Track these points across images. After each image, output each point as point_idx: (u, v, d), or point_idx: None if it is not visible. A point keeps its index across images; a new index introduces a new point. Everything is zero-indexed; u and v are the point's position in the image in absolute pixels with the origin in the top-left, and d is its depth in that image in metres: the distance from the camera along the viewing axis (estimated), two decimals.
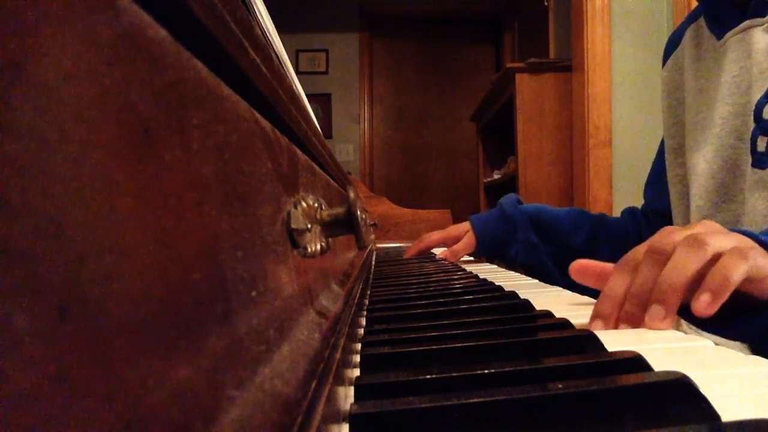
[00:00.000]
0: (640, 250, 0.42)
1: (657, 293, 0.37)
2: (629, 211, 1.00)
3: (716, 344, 0.33)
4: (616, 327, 0.39)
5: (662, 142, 0.92)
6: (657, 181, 0.93)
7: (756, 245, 0.40)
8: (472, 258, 1.11)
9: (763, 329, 0.40)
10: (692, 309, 0.36)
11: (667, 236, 0.41)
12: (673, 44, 0.84)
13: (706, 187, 0.69)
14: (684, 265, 0.37)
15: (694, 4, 1.95)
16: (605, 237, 0.96)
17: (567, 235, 0.96)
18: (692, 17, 0.79)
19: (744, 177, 0.64)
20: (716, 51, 0.70)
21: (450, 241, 1.07)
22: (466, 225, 1.06)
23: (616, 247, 0.96)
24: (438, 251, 1.25)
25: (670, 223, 0.89)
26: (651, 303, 0.38)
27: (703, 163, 0.70)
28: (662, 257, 0.39)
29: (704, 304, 0.36)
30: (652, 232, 0.94)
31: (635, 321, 0.39)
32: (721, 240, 0.39)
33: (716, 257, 0.38)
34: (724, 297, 0.36)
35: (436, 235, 1.10)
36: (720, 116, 0.67)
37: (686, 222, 0.78)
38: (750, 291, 0.38)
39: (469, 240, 1.02)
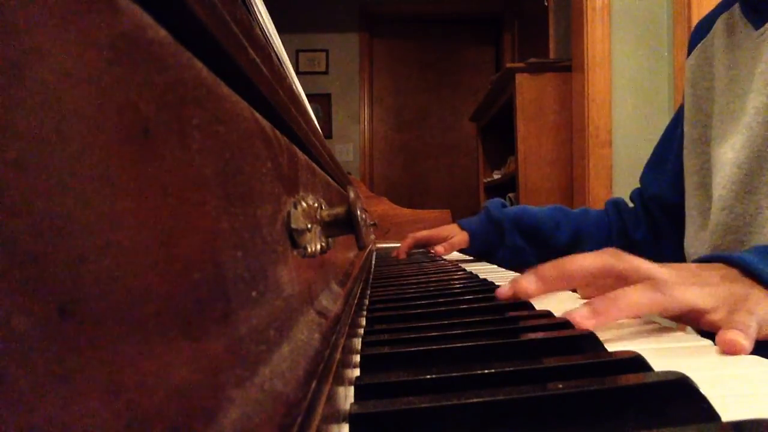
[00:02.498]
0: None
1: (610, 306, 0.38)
2: (613, 203, 1.00)
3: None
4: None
5: (667, 129, 0.91)
6: (657, 166, 0.93)
7: (747, 298, 0.38)
8: (472, 258, 1.11)
9: None
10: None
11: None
12: (700, 33, 0.81)
13: (730, 177, 0.68)
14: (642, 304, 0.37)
15: (695, 4, 1.94)
16: (588, 232, 0.97)
17: (549, 234, 0.97)
18: (724, 6, 0.77)
19: None
20: (753, 41, 0.69)
21: (438, 240, 1.08)
22: (454, 226, 1.08)
23: (598, 242, 0.96)
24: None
25: (667, 210, 0.88)
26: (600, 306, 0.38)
27: (730, 153, 0.68)
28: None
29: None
30: (648, 221, 0.92)
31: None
32: (695, 295, 0.38)
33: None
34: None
35: (422, 233, 1.12)
36: (753, 106, 0.65)
37: (702, 213, 0.77)
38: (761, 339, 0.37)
39: (463, 236, 1.05)
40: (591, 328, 0.35)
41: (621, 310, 0.37)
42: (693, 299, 0.37)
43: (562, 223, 0.97)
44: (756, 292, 0.38)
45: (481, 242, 1.03)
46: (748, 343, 0.33)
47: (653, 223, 0.93)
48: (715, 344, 0.34)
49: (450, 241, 1.06)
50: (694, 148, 0.80)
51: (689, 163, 0.81)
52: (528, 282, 0.45)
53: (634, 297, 0.37)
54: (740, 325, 0.35)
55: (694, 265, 0.44)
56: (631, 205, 0.99)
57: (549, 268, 0.45)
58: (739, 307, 0.37)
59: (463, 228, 1.06)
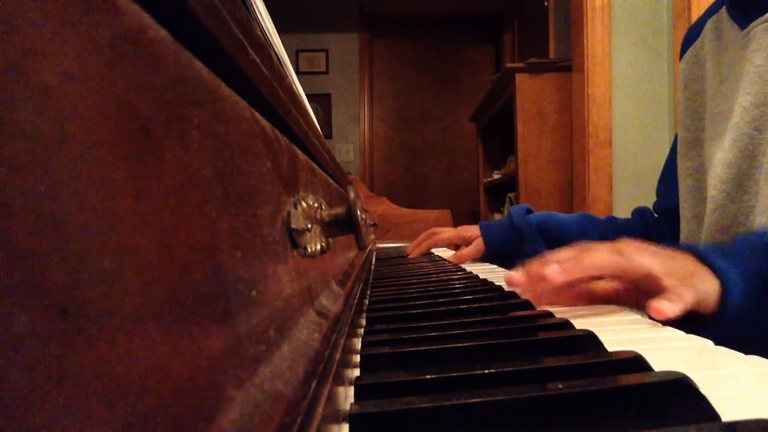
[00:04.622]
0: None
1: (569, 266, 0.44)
2: (639, 211, 1.00)
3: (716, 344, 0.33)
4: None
5: (675, 138, 0.91)
6: (666, 178, 0.93)
7: (695, 273, 0.44)
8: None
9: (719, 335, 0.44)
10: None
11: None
12: (691, 37, 0.82)
13: (721, 177, 0.68)
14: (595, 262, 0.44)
15: (695, 4, 1.94)
16: (614, 240, 0.97)
17: (575, 241, 0.96)
18: (712, 10, 0.78)
19: (760, 168, 0.63)
20: (739, 41, 0.69)
21: (460, 242, 1.07)
22: (476, 228, 1.06)
23: None
24: (436, 251, 1.26)
25: (677, 220, 0.89)
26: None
27: (720, 153, 0.69)
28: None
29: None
30: (662, 231, 0.93)
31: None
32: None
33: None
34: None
35: (446, 234, 1.11)
36: (740, 105, 0.66)
37: (696, 216, 0.77)
38: (700, 311, 0.43)
39: (477, 246, 1.04)
40: (560, 282, 0.42)
41: (586, 270, 0.43)
42: (650, 264, 0.43)
43: (589, 230, 0.97)
44: (702, 272, 0.44)
45: (497, 248, 1.02)
46: (672, 310, 0.39)
47: (673, 233, 0.93)
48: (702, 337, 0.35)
49: (459, 254, 1.04)
50: (687, 151, 0.81)
51: (683, 166, 0.82)
52: (553, 271, 0.45)
53: (597, 258, 0.43)
54: (674, 295, 0.40)
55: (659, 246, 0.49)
56: (656, 215, 0.99)
57: (569, 260, 0.47)
58: (686, 281, 0.42)
59: (482, 232, 1.04)
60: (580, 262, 0.42)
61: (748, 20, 0.68)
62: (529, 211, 1.02)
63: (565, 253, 0.47)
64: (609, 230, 0.97)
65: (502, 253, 1.03)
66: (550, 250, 0.97)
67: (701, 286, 0.42)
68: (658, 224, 0.96)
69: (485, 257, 1.05)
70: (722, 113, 0.71)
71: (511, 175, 2.53)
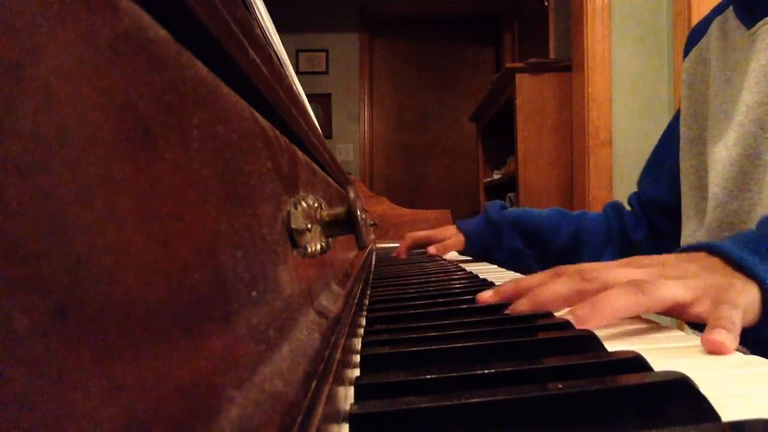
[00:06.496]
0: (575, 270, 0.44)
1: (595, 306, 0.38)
2: (612, 206, 1.01)
3: None
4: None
5: (666, 132, 0.92)
6: (655, 169, 0.94)
7: (729, 287, 0.38)
8: (470, 258, 1.11)
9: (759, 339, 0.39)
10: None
11: (608, 271, 0.42)
12: (696, 36, 0.83)
13: (723, 175, 0.68)
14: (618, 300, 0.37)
15: (695, 4, 1.94)
16: (587, 235, 0.98)
17: (548, 236, 0.98)
18: (718, 10, 0.79)
19: (764, 166, 0.64)
20: (745, 41, 0.70)
21: (437, 240, 1.09)
22: (453, 227, 1.09)
23: (598, 244, 0.97)
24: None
25: (665, 213, 0.89)
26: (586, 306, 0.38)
27: (723, 151, 0.69)
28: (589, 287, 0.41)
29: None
30: (648, 223, 0.94)
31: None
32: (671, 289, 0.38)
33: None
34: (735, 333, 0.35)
35: (421, 233, 1.14)
36: (744, 104, 0.66)
37: (698, 214, 0.78)
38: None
39: (458, 238, 1.06)
40: None
41: (604, 317, 0.37)
42: (674, 294, 0.37)
43: (563, 225, 0.98)
44: (737, 281, 0.38)
45: (478, 244, 1.04)
46: (733, 342, 0.32)
47: (652, 226, 0.93)
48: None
49: (444, 243, 1.07)
50: (690, 149, 0.81)
51: (685, 164, 0.82)
52: (517, 303, 0.44)
53: (616, 301, 0.37)
54: (725, 321, 0.34)
55: (673, 256, 0.44)
56: (628, 208, 1.00)
57: (523, 303, 0.43)
58: (723, 299, 0.36)
59: (460, 229, 1.06)
60: (600, 309, 0.37)
61: (754, 20, 0.68)
62: (503, 208, 1.04)
63: (573, 283, 0.42)
64: (581, 225, 0.99)
65: (482, 249, 1.04)
66: (525, 244, 0.98)
67: (742, 300, 0.36)
68: (635, 218, 0.96)
69: (466, 250, 1.07)
70: (725, 112, 0.72)
71: (511, 175, 2.53)
